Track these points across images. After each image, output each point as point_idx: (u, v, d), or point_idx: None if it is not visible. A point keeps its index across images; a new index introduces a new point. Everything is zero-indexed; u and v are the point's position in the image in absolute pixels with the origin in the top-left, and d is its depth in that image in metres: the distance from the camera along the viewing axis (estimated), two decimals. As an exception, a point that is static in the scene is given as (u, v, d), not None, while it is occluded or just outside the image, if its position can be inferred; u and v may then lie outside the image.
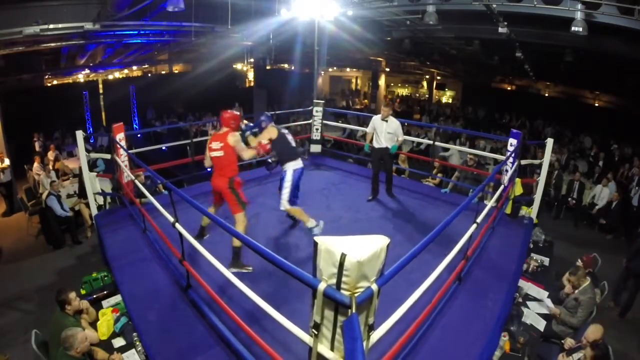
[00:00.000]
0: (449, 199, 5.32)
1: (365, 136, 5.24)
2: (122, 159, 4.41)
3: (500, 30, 6.34)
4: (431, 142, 6.14)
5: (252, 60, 13.85)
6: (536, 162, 5.19)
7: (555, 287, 3.98)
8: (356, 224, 4.37)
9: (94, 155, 4.98)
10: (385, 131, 4.78)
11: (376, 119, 4.85)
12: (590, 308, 3.44)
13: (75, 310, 3.05)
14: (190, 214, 4.40)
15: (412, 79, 21.32)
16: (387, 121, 4.79)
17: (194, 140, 5.55)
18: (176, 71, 17.33)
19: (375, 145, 4.88)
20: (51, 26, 6.37)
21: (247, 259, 3.36)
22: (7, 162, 7.67)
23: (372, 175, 5.10)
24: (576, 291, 3.54)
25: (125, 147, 4.40)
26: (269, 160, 4.14)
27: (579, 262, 3.61)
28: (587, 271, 3.74)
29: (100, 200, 4.87)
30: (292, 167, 3.88)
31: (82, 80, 14.50)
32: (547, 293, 3.89)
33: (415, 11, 6.91)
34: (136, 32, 8.67)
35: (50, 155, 8.49)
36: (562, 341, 3.28)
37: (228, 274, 2.32)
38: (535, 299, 3.86)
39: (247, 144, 3.72)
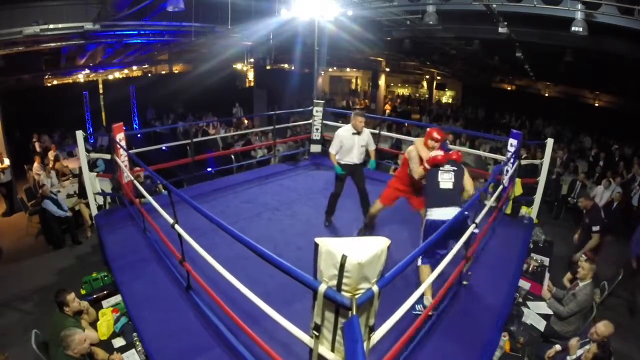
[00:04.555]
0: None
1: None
2: (122, 159, 4.41)
3: (500, 30, 6.35)
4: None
5: (252, 60, 13.87)
6: (536, 162, 5.20)
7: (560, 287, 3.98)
8: (356, 224, 4.37)
9: (94, 155, 4.98)
10: (358, 145, 4.06)
11: (344, 132, 4.05)
12: (584, 304, 3.45)
13: (74, 311, 3.04)
14: (190, 213, 4.39)
15: (412, 79, 21.33)
16: (359, 133, 4.04)
17: (194, 140, 5.55)
18: (176, 71, 17.32)
19: (344, 161, 4.10)
20: (51, 26, 6.38)
21: (247, 260, 3.36)
22: (7, 162, 7.67)
23: (335, 196, 4.23)
24: (576, 287, 3.56)
25: (125, 147, 4.40)
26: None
27: (583, 257, 3.62)
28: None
29: (100, 200, 4.86)
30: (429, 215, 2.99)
31: (82, 80, 14.50)
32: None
33: (415, 11, 6.92)
34: (136, 32, 8.68)
35: (51, 155, 8.48)
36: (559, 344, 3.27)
37: (228, 275, 2.31)
38: (535, 299, 3.86)
39: None
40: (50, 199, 5.95)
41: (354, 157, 4.09)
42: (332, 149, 4.11)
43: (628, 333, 4.24)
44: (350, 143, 4.04)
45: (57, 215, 5.94)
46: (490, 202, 3.69)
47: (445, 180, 2.98)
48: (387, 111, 18.33)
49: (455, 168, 3.04)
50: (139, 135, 10.94)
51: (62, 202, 6.21)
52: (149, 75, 16.92)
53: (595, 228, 4.79)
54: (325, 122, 6.55)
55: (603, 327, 2.89)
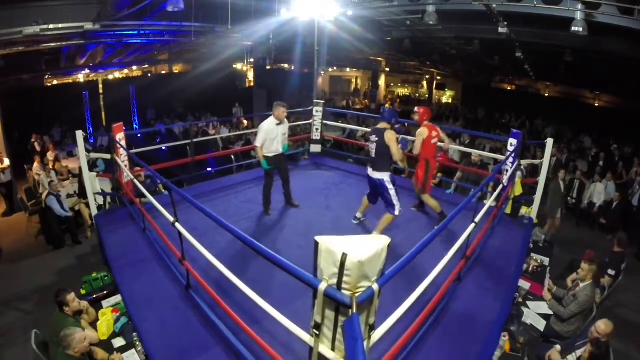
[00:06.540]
0: (451, 199, 5.33)
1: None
2: (122, 159, 4.41)
3: (500, 30, 6.36)
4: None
5: (252, 60, 13.89)
6: (536, 162, 5.20)
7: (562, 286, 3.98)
8: (356, 223, 4.38)
9: (94, 155, 4.98)
10: (280, 134, 4.36)
11: (269, 125, 4.26)
12: (584, 305, 3.45)
13: (74, 311, 3.04)
14: (190, 213, 4.41)
15: (412, 79, 21.37)
16: (282, 123, 4.36)
17: (195, 140, 5.55)
18: (176, 71, 17.32)
19: (272, 153, 4.32)
20: (51, 26, 6.38)
21: (248, 258, 3.36)
22: (7, 162, 7.67)
23: (268, 188, 4.44)
24: (577, 288, 3.56)
25: (125, 147, 4.40)
26: None
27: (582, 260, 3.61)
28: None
29: (100, 200, 4.87)
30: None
31: (82, 80, 14.50)
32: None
33: (415, 11, 6.92)
34: (136, 32, 8.68)
35: (50, 155, 8.48)
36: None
37: (228, 273, 2.31)
38: (535, 299, 3.86)
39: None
40: (56, 197, 5.96)
41: (279, 147, 4.39)
42: (258, 142, 4.27)
43: (628, 333, 4.24)
44: (275, 133, 4.31)
45: (60, 215, 5.94)
46: (490, 202, 3.69)
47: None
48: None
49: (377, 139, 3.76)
50: (139, 135, 10.94)
51: (63, 202, 6.22)
52: (149, 75, 16.92)
53: (611, 272, 4.39)
54: (325, 122, 6.55)
55: (603, 326, 2.89)
